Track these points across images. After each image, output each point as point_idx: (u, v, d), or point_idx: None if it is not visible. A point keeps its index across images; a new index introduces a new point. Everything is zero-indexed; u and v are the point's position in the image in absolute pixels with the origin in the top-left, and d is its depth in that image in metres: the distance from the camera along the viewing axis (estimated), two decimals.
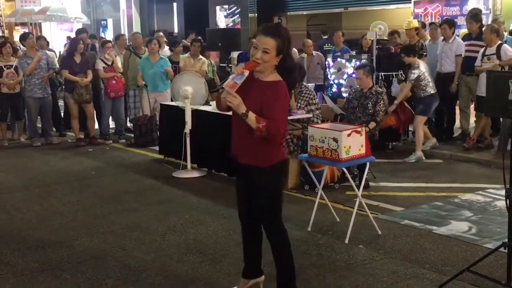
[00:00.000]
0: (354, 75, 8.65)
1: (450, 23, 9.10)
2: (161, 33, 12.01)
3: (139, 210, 6.17)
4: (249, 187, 3.76)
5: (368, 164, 5.45)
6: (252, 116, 3.44)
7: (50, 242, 5.23)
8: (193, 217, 5.87)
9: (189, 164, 7.72)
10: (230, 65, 11.12)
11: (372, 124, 7.15)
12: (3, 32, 24.33)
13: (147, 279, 4.41)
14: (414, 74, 8.09)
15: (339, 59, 9.88)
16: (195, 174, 7.63)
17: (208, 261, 4.73)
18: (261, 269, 4.06)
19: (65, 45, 12.46)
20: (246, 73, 3.49)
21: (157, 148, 8.98)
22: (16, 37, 21.30)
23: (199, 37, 10.78)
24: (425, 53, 9.17)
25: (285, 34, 3.58)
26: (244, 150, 3.67)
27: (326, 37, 14.81)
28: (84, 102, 9.71)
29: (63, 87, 10.93)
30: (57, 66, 10.71)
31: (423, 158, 8.23)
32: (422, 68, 8.15)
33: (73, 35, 19.57)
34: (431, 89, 8.20)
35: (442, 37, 9.21)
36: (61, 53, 11.55)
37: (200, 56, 10.00)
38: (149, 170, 8.09)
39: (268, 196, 3.72)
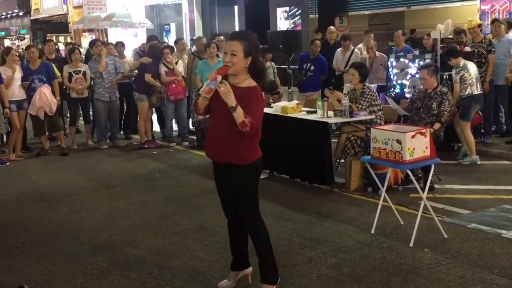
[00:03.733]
0: (417, 75, 8.49)
1: None
2: (221, 37, 12.13)
3: (202, 212, 6.26)
4: (231, 184, 4.01)
5: (433, 166, 5.34)
6: (240, 109, 3.67)
7: (118, 242, 5.39)
8: None
9: None
10: (291, 66, 11.12)
11: (437, 125, 6.99)
12: (71, 38, 25.24)
13: (211, 279, 4.47)
14: (458, 74, 7.90)
15: (402, 59, 9.71)
16: None
17: None
18: (248, 262, 4.30)
19: (136, 50, 12.72)
20: (219, 78, 3.73)
21: None
22: (84, 43, 22.09)
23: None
24: (493, 49, 8.87)
25: (252, 39, 3.86)
26: (224, 150, 3.89)
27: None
28: (157, 107, 10.26)
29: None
30: (132, 71, 10.91)
31: (478, 161, 7.99)
32: (467, 68, 7.92)
33: (137, 40, 20.15)
34: (471, 90, 7.91)
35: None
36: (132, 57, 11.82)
37: None
38: (211, 172, 8.13)
39: (249, 193, 3.99)
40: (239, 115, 3.68)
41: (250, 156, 3.92)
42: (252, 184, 4.01)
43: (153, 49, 10.36)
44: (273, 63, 10.77)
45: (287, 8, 18.76)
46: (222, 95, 3.69)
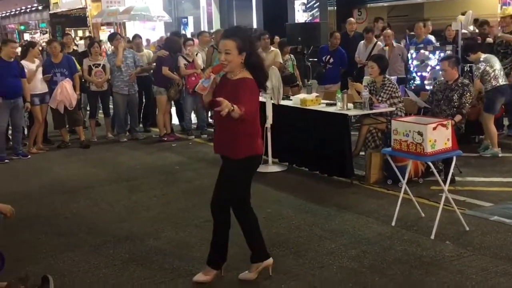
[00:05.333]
0: (438, 67, 8.41)
1: None
2: None
3: None
4: (222, 174, 4.20)
5: (454, 158, 5.29)
6: (236, 108, 3.74)
7: (138, 234, 5.43)
8: (275, 211, 5.92)
9: (270, 159, 7.77)
10: (310, 59, 11.08)
11: (458, 117, 6.93)
12: (90, 32, 25.40)
13: (232, 271, 4.48)
14: (479, 69, 7.83)
15: (422, 51, 9.63)
16: (276, 168, 7.67)
17: (291, 255, 4.76)
18: (267, 253, 4.35)
19: (155, 44, 12.75)
20: (213, 76, 3.95)
21: None
22: (102, 36, 22.20)
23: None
24: None
25: (244, 35, 3.98)
26: (223, 143, 4.09)
27: None
28: (176, 99, 10.25)
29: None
30: (150, 64, 10.91)
31: (499, 154, 7.90)
32: (489, 61, 7.82)
33: (155, 33, 20.23)
34: (496, 82, 7.80)
35: None
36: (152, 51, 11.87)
37: (272, 48, 9.96)
38: None
39: (236, 184, 4.12)
40: (237, 113, 3.77)
41: (244, 151, 4.02)
42: (240, 178, 4.12)
43: (170, 42, 10.37)
44: (292, 56, 10.74)
45: (305, 0, 18.70)
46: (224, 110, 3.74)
